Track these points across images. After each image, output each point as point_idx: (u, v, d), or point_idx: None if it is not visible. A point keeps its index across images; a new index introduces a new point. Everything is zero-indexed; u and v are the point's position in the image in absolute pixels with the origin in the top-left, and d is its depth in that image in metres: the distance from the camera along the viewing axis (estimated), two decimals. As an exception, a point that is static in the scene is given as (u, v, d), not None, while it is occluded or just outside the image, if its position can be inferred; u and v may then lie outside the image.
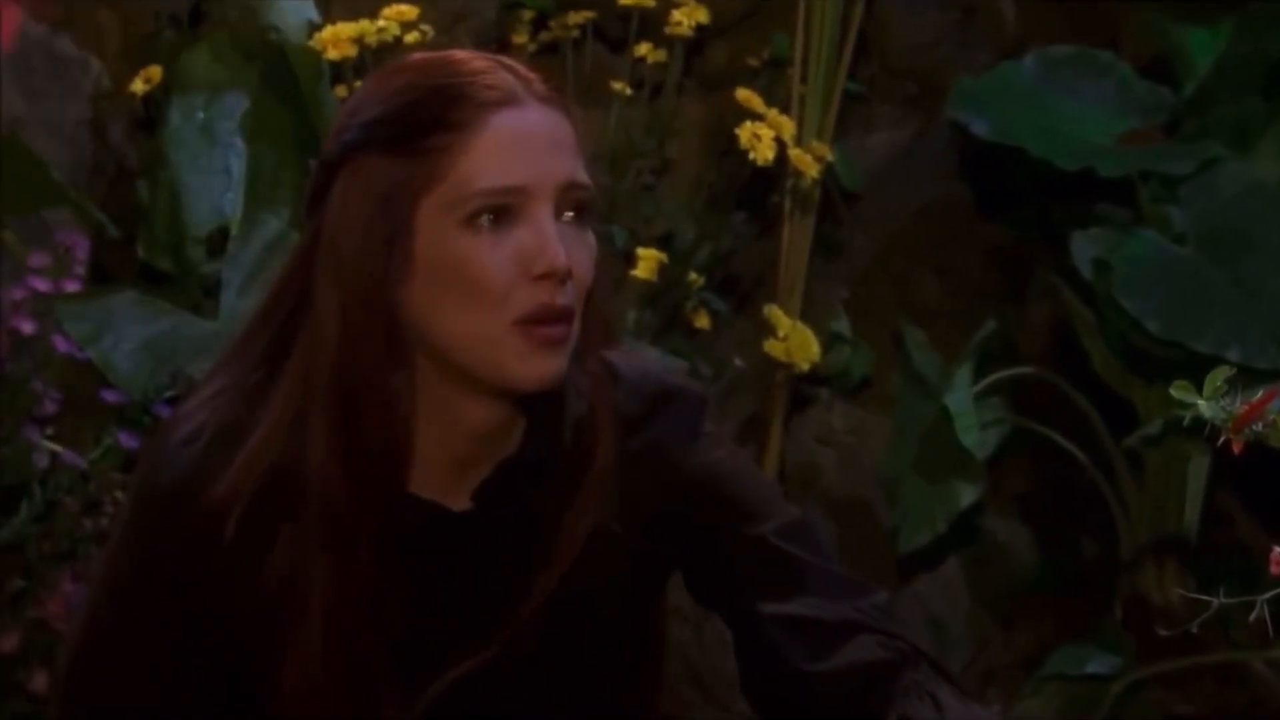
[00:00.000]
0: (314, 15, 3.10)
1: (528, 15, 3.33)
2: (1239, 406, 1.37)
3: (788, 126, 3.16)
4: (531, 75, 1.56)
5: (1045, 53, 3.61)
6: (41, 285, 2.61)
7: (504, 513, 1.59)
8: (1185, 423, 1.39)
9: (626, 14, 3.28)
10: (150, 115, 3.09)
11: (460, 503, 1.58)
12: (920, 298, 3.72)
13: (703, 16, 3.26)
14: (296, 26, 3.07)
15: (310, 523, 1.54)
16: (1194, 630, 1.44)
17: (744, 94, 3.17)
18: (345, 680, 1.54)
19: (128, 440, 2.50)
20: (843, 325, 3.58)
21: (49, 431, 2.53)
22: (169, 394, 2.52)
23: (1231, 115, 3.44)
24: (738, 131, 3.11)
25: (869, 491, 3.61)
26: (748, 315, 3.44)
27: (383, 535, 1.55)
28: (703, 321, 3.22)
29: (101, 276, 2.96)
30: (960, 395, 3.32)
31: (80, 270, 2.68)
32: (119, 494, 2.43)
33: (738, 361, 3.26)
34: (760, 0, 3.55)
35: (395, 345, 1.53)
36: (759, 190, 3.37)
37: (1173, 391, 1.39)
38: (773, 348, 3.21)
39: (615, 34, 3.36)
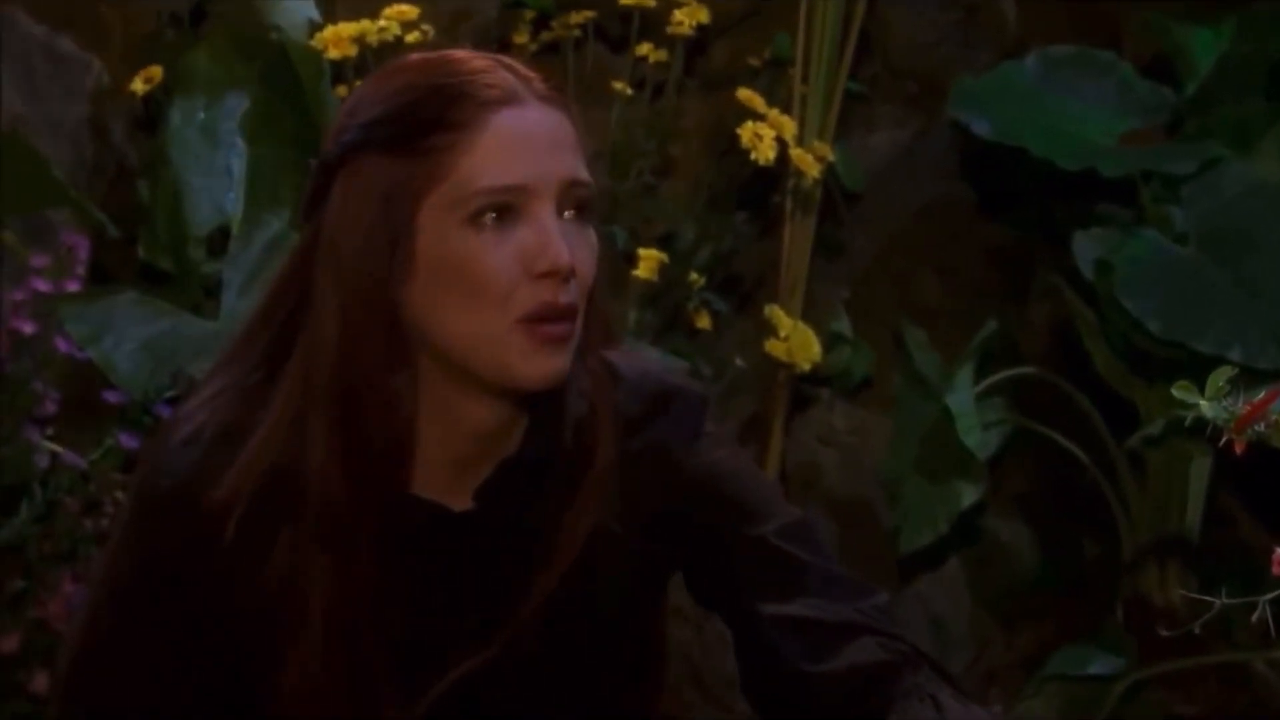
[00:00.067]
0: (315, 15, 3.10)
1: (529, 15, 3.33)
2: (1241, 407, 1.36)
3: (789, 126, 3.16)
4: (531, 74, 1.56)
5: (1047, 52, 3.61)
6: (42, 285, 2.61)
7: (505, 513, 1.59)
8: (1187, 423, 1.39)
9: (628, 14, 3.28)
10: (151, 115, 3.09)
11: (461, 503, 1.58)
12: (921, 298, 3.72)
13: (704, 16, 3.25)
14: (298, 26, 3.07)
15: (310, 523, 1.54)
16: (1196, 631, 1.44)
17: (745, 94, 3.17)
18: (345, 680, 1.54)
19: (128, 440, 2.49)
20: (844, 325, 3.58)
21: (49, 432, 2.53)
22: (169, 394, 2.52)
23: (1233, 115, 3.44)
24: (739, 131, 3.11)
25: (870, 492, 3.60)
26: (749, 315, 3.44)
27: (383, 535, 1.54)
28: (704, 321, 3.22)
29: (102, 276, 2.96)
30: (961, 395, 3.32)
31: (81, 270, 2.68)
32: (119, 494, 2.43)
33: (739, 361, 3.25)
34: (761, 0, 3.55)
35: (397, 346, 1.53)
36: (760, 190, 3.37)
37: (1174, 392, 1.38)
38: (774, 348, 3.21)
39: (616, 34, 3.36)
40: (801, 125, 3.30)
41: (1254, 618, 1.37)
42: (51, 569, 2.44)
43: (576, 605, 1.59)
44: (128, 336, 2.66)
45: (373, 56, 2.94)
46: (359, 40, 2.95)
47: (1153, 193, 3.38)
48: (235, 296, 2.75)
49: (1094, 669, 3.36)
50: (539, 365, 1.51)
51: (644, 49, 3.28)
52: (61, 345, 2.60)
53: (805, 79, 3.37)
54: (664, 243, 3.20)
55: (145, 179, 3.04)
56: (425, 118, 1.51)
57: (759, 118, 3.13)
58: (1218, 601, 1.38)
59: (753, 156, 3.09)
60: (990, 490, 3.41)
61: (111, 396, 2.59)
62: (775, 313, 3.22)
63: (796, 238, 3.40)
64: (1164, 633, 1.80)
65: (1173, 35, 3.57)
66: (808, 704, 1.56)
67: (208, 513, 1.54)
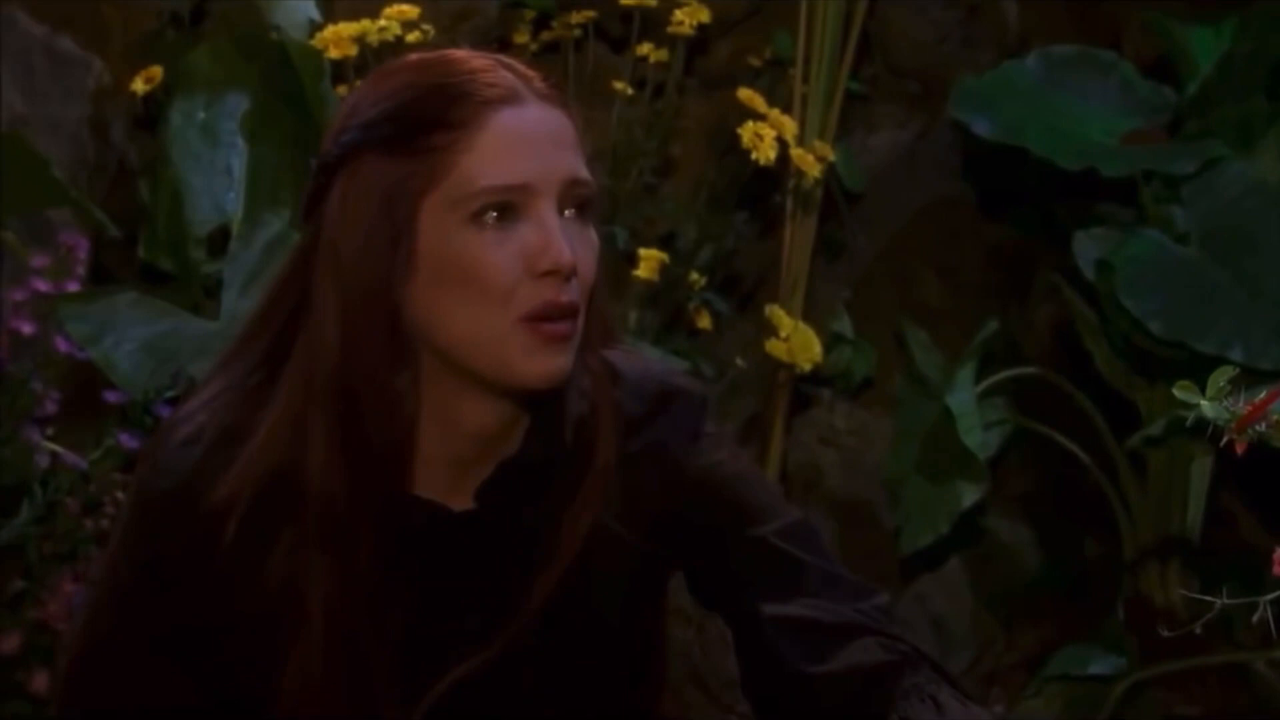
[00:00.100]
0: (315, 14, 3.09)
1: (529, 15, 3.33)
2: (1242, 407, 1.36)
3: (790, 126, 3.15)
4: (531, 73, 1.56)
5: (1048, 52, 3.61)
6: (42, 285, 2.61)
7: (505, 513, 1.59)
8: (1188, 423, 1.39)
9: (628, 13, 3.28)
10: (151, 114, 3.09)
11: (462, 503, 1.58)
12: (922, 298, 3.72)
13: (705, 16, 3.25)
14: (298, 26, 3.07)
15: (311, 524, 1.54)
16: (1197, 631, 1.43)
17: (746, 93, 3.17)
18: (346, 680, 1.54)
19: (128, 441, 2.49)
20: (845, 325, 3.58)
21: (49, 432, 2.52)
22: (170, 394, 2.52)
23: (1234, 115, 3.43)
24: (740, 131, 3.11)
25: (871, 492, 3.60)
26: (750, 315, 3.44)
27: (383, 536, 1.54)
28: (704, 322, 3.22)
29: (102, 276, 2.96)
30: (963, 395, 3.32)
31: (81, 270, 2.68)
32: (119, 494, 2.43)
33: (739, 362, 3.25)
34: (762, 0, 3.55)
35: (398, 346, 1.53)
36: (761, 190, 3.37)
37: (1176, 392, 1.38)
38: (775, 348, 3.21)
39: (617, 33, 3.36)
40: (802, 125, 3.30)
41: (1255, 618, 1.36)
42: (51, 569, 2.43)
43: (577, 605, 1.59)
44: (128, 336, 2.66)
45: (373, 56, 2.94)
46: (359, 40, 2.95)
47: (1154, 192, 3.38)
48: (235, 296, 2.74)
49: (1095, 669, 3.36)
50: (541, 364, 1.51)
51: (645, 49, 3.28)
52: (61, 345, 2.60)
53: (806, 79, 3.37)
54: (665, 243, 3.20)
55: (145, 179, 3.04)
56: (425, 117, 1.51)
57: (760, 118, 3.13)
58: (1219, 602, 1.38)
59: (753, 156, 3.09)
60: (991, 490, 3.40)
61: (111, 396, 2.59)
62: (776, 313, 3.22)
63: (797, 238, 3.40)
64: (1165, 633, 1.79)
65: (1174, 35, 3.57)
66: (809, 704, 1.56)
67: (208, 513, 1.54)
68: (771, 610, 1.58)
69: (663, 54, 3.28)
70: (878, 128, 3.72)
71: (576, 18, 3.30)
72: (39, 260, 2.64)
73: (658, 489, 1.62)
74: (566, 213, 1.53)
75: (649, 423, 1.63)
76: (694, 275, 3.18)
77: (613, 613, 1.62)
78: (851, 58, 3.42)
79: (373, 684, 1.55)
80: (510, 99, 1.52)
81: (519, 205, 1.50)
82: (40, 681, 2.41)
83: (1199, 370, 1.40)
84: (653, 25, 3.28)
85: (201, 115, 3.01)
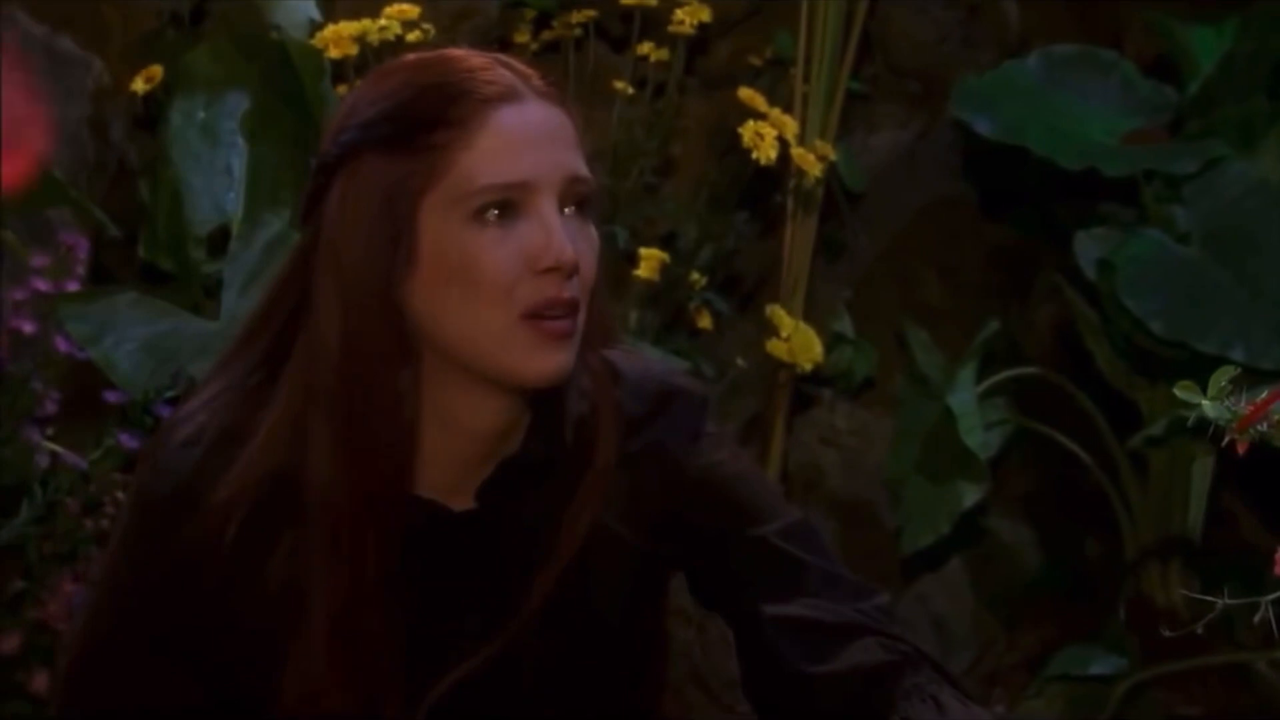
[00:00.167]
0: (315, 14, 3.09)
1: (530, 14, 3.32)
2: (1243, 407, 1.36)
3: (791, 126, 3.15)
4: (529, 71, 1.56)
5: (1049, 52, 3.60)
6: (42, 285, 2.61)
7: (506, 512, 1.59)
8: (1189, 423, 1.39)
9: (629, 13, 3.28)
10: (151, 114, 3.09)
11: (463, 502, 1.58)
12: (923, 298, 3.72)
13: (705, 15, 3.25)
14: (298, 25, 3.06)
15: (312, 525, 1.54)
16: (1198, 631, 1.43)
17: (747, 93, 3.16)
18: (347, 680, 1.54)
19: (129, 441, 2.49)
20: (846, 325, 3.57)
21: (49, 432, 2.52)
22: (169, 394, 2.51)
23: (1236, 114, 3.43)
24: (740, 131, 3.10)
25: (872, 492, 3.60)
26: (750, 315, 3.44)
27: (385, 536, 1.54)
28: (705, 322, 3.22)
29: (102, 276, 2.96)
30: (964, 395, 3.32)
31: (81, 270, 2.67)
32: (119, 494, 2.42)
33: (740, 362, 3.25)
34: (763, -1, 3.55)
35: (399, 345, 1.53)
36: (762, 190, 3.37)
37: (1177, 392, 1.38)
38: (775, 348, 3.21)
39: (617, 33, 3.36)
40: (803, 125, 3.30)
41: (1256, 618, 1.36)
42: (52, 570, 2.43)
43: (577, 605, 1.59)
44: (128, 336, 2.66)
45: (373, 56, 2.93)
46: (359, 39, 2.94)
47: (1155, 192, 3.38)
48: (235, 296, 2.74)
49: (1096, 669, 3.36)
50: (543, 361, 1.51)
51: (645, 48, 3.27)
52: (61, 345, 2.60)
53: (807, 78, 3.37)
54: (665, 242, 3.20)
55: (145, 179, 3.04)
56: (424, 116, 1.51)
57: (760, 117, 3.13)
58: (1220, 602, 1.38)
59: (754, 156, 3.09)
60: (992, 490, 3.40)
61: (111, 396, 2.59)
62: (777, 313, 3.22)
63: (798, 238, 3.40)
64: (1166, 633, 1.79)
65: (1175, 34, 3.57)
66: (809, 704, 1.56)
67: (208, 514, 1.54)
68: (772, 610, 1.58)
69: (663, 53, 3.28)
70: (878, 127, 3.72)
71: (577, 17, 3.30)
72: (39, 260, 2.64)
73: (658, 489, 1.62)
74: (566, 210, 1.53)
75: (649, 422, 1.63)
76: (694, 275, 3.17)
77: (613, 613, 1.62)
78: (852, 57, 3.41)
79: (374, 683, 1.55)
80: (509, 97, 1.52)
81: (519, 203, 1.50)
82: (40, 681, 2.40)
83: (1200, 370, 1.39)
84: (653, 25, 3.28)
85: (201, 115, 3.00)
